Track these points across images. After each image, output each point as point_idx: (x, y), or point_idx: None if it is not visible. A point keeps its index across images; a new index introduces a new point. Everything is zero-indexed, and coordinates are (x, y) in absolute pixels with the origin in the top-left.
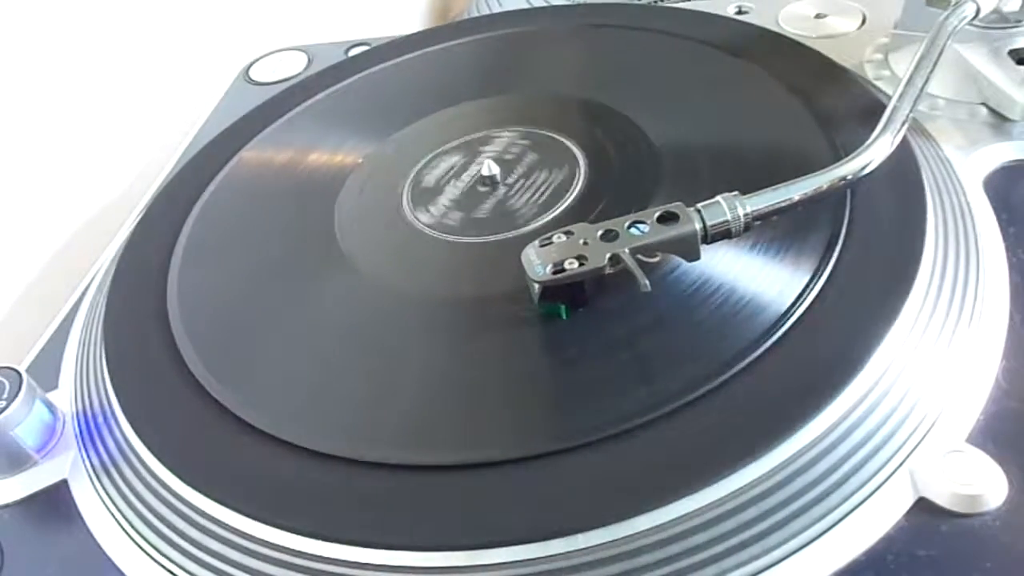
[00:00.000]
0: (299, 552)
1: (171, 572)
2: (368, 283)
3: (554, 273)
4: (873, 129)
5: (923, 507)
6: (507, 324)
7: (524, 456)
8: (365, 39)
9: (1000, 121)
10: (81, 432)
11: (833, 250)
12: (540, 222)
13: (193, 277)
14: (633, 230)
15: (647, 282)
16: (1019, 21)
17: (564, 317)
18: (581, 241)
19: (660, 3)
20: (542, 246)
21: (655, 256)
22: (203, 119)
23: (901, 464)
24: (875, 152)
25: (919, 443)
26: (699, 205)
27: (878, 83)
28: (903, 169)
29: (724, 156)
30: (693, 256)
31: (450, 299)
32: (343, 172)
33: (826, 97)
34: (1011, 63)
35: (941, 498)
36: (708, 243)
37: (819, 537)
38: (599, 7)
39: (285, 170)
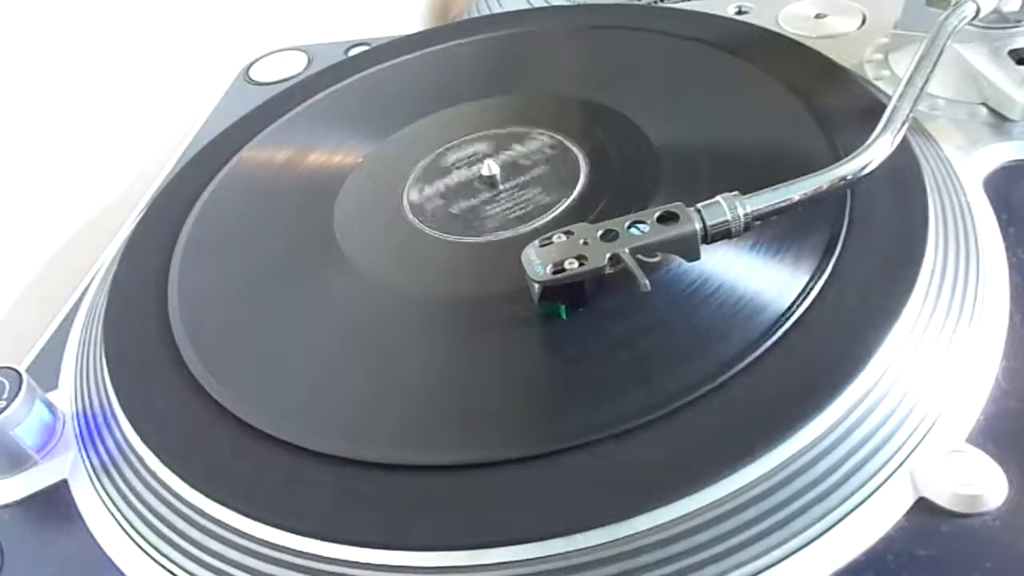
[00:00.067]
0: (299, 552)
1: (171, 572)
2: (368, 283)
3: (554, 273)
4: (873, 129)
5: (923, 507)
6: (507, 324)
7: (524, 456)
8: (365, 39)
9: (1000, 121)
10: (81, 432)
11: (833, 250)
12: (540, 222)
13: (193, 277)
14: (633, 230)
15: (647, 282)
16: (1019, 21)
17: (564, 317)
18: (581, 241)
19: (660, 3)
20: (542, 246)
21: (655, 256)
22: (203, 119)
23: (901, 464)
24: (875, 152)
25: (919, 443)
26: (699, 205)
27: (878, 83)
28: (903, 169)
29: (724, 156)
30: (693, 256)
31: (450, 299)
32: (343, 172)
33: (826, 97)
34: (1011, 63)
35: (941, 498)
36: (708, 243)
37: (819, 537)
38: (599, 7)
39: (285, 170)
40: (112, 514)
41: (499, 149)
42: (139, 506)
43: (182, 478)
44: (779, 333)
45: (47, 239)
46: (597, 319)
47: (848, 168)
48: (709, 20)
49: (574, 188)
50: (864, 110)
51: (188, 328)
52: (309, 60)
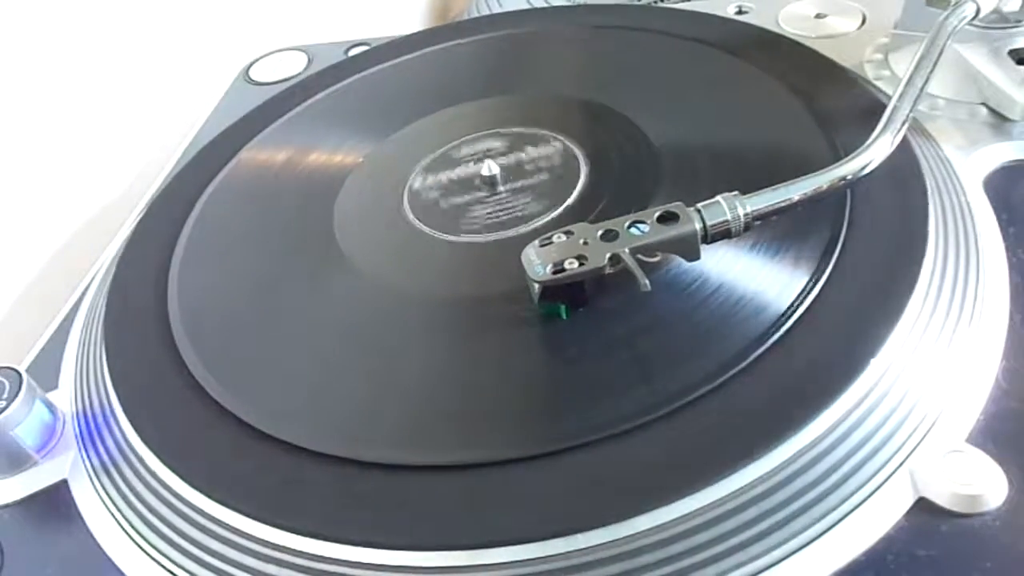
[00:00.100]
0: (299, 552)
1: (171, 572)
2: (368, 283)
3: (554, 273)
4: (873, 129)
5: (923, 507)
6: (507, 324)
7: (524, 456)
8: (365, 39)
9: (1000, 121)
10: (81, 432)
11: (833, 250)
12: (540, 222)
13: (193, 277)
14: (633, 230)
15: (647, 282)
16: (1019, 21)
17: (564, 317)
18: (581, 241)
19: (660, 3)
20: (542, 246)
21: (655, 256)
22: (203, 119)
23: (901, 464)
24: (875, 152)
25: (919, 443)
26: (699, 205)
27: (878, 83)
28: (903, 169)
29: (724, 156)
30: (693, 256)
31: (450, 299)
32: (343, 172)
33: (826, 97)
34: (1011, 63)
35: (941, 498)
36: (708, 243)
37: (819, 537)
38: (599, 7)
39: (285, 170)
40: (112, 514)
41: (499, 149)
42: (139, 506)
43: (182, 478)
44: (779, 333)
45: (47, 239)
46: (597, 319)
47: (848, 168)
48: (709, 20)
49: (574, 188)
50: (864, 110)
51: (188, 328)
52: (309, 60)
